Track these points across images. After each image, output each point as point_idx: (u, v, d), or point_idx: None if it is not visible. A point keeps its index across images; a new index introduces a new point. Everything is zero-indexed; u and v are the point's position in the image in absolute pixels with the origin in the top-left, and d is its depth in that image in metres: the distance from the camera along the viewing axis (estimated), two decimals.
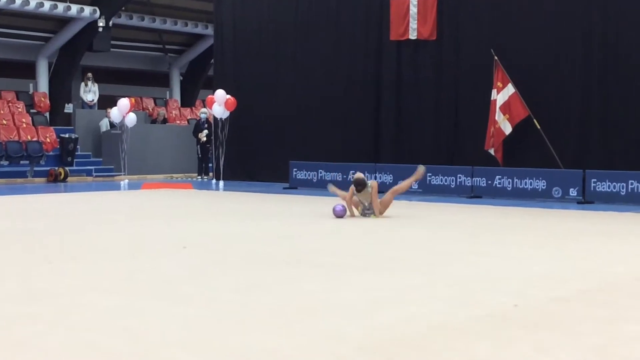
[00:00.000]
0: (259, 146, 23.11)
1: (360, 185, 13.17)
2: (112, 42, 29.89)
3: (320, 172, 20.39)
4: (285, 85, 22.65)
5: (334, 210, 13.25)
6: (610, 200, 16.09)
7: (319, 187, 20.05)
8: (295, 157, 21.28)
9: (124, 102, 23.74)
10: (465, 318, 5.79)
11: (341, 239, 10.66)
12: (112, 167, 25.56)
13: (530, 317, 5.85)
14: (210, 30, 30.29)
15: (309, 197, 17.97)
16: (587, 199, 16.36)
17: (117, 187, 21.48)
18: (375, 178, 19.27)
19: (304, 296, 6.60)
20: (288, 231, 11.49)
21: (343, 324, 5.58)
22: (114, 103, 24.55)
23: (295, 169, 20.91)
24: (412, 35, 20.14)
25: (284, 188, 20.56)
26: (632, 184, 15.98)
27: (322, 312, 5.99)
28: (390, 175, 18.98)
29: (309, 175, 20.62)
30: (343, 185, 19.63)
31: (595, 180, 16.40)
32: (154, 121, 29.00)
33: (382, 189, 18.95)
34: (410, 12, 20.05)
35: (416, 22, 20.01)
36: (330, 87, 21.68)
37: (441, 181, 18.32)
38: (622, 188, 16.08)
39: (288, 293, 6.73)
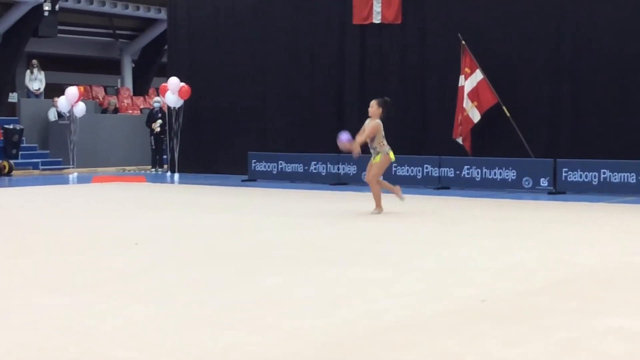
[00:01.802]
0: (216, 136, 23.02)
1: (384, 103, 12.79)
2: (59, 27, 29.59)
3: (281, 164, 20.38)
4: (243, 72, 22.58)
5: (339, 137, 12.91)
6: (582, 191, 16.27)
7: (279, 179, 20.07)
8: (254, 148, 21.25)
9: (72, 91, 23.53)
10: (432, 313, 5.84)
11: (303, 231, 10.67)
12: (60, 159, 25.33)
13: (499, 311, 5.91)
14: (163, 15, 30.12)
15: (268, 190, 17.96)
16: (559, 189, 16.53)
17: (65, 181, 21.30)
18: (338, 169, 19.34)
19: (263, 292, 6.61)
20: (246, 225, 11.48)
21: (304, 320, 5.59)
22: (61, 92, 24.31)
23: (254, 161, 20.87)
24: (376, 19, 20.17)
25: (243, 180, 20.53)
26: (604, 173, 16.17)
27: (282, 308, 6.00)
28: (354, 166, 19.01)
29: (268, 166, 20.60)
30: (304, 178, 19.71)
31: (566, 169, 16.57)
32: (104, 111, 28.77)
33: (345, 180, 19.06)
34: None
35: (380, 5, 20.05)
36: (290, 75, 21.66)
37: (407, 172, 18.39)
38: (594, 178, 16.27)
39: (246, 289, 6.73)
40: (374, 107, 12.85)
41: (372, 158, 12.87)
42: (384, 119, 12.81)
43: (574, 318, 5.66)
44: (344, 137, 12.90)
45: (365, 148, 13.02)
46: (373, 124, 12.67)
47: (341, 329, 5.39)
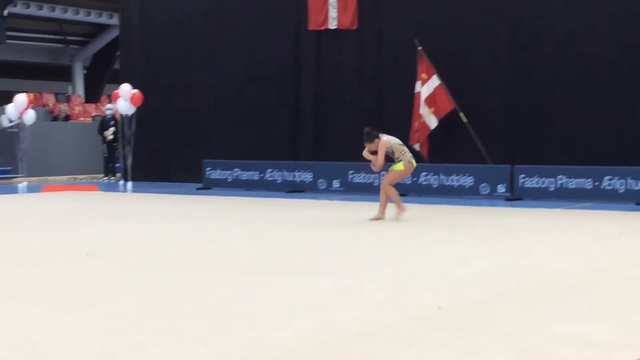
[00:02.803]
0: (170, 144, 22.88)
1: (366, 135, 13.02)
2: (8, 33, 29.22)
3: (236, 171, 20.31)
4: (198, 78, 22.47)
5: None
6: (539, 197, 16.40)
7: (234, 187, 19.99)
8: (209, 156, 21.14)
9: (21, 98, 23.23)
10: (391, 322, 5.83)
11: (260, 240, 10.62)
12: (9, 168, 25.00)
13: (460, 319, 5.92)
14: (115, 20, 29.91)
15: (223, 198, 17.89)
16: (516, 195, 16.65)
17: (14, 191, 21.04)
18: (294, 177, 19.30)
19: (219, 302, 6.55)
20: (201, 234, 11.41)
21: (262, 331, 5.56)
22: (10, 99, 23.99)
23: (209, 168, 20.78)
24: (332, 25, 20.19)
25: (198, 189, 20.43)
26: (560, 179, 16.32)
27: (238, 318, 5.95)
28: (310, 173, 19.02)
29: (223, 174, 20.51)
30: (260, 185, 19.65)
31: (524, 175, 16.70)
32: (55, 118, 28.48)
33: (301, 188, 19.03)
34: (330, 0, 20.09)
35: (336, 10, 20.08)
36: (245, 81, 21.60)
37: (364, 179, 18.40)
38: (551, 184, 16.41)
39: (203, 300, 6.67)
40: (370, 147, 13.04)
41: (393, 164, 13.14)
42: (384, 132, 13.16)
43: (533, 325, 5.68)
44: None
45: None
46: (380, 145, 12.90)
47: (299, 339, 5.36)
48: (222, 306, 6.40)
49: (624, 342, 5.25)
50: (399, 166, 13.04)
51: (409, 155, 13.10)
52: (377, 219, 12.98)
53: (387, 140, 12.95)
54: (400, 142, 13.15)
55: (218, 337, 5.42)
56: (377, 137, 12.97)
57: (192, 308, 6.32)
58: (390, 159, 13.23)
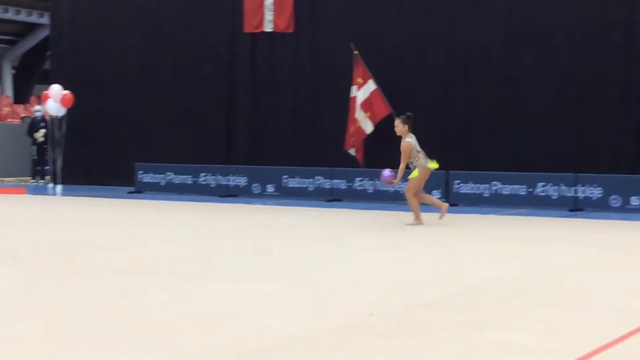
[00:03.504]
0: (102, 147, 22.61)
1: (407, 118, 13.25)
2: None
3: (169, 175, 20.15)
4: (130, 80, 22.25)
5: (382, 175, 13.51)
6: (474, 202, 16.56)
7: (167, 190, 19.83)
8: (141, 159, 20.94)
9: None
10: (319, 328, 5.84)
11: (191, 246, 10.56)
12: None
13: (388, 326, 5.95)
14: (46, 19, 29.50)
15: (155, 202, 17.74)
16: (451, 201, 16.76)
17: None
18: (228, 181, 19.20)
19: (148, 308, 6.50)
20: (131, 239, 11.30)
21: (190, 337, 5.52)
22: None
23: (141, 172, 20.58)
24: (268, 28, 20.16)
25: (129, 192, 20.22)
26: (495, 185, 16.52)
27: (167, 325, 5.91)
28: (244, 177, 18.95)
29: (156, 178, 20.33)
30: (193, 190, 19.52)
31: (458, 181, 16.86)
32: None
33: (236, 192, 18.95)
34: (266, 2, 20.07)
35: (272, 13, 20.06)
36: (179, 83, 21.45)
37: (298, 183, 18.40)
38: (486, 190, 16.59)
39: (130, 306, 6.61)
40: (399, 126, 13.34)
41: (411, 172, 13.25)
42: (413, 131, 13.31)
43: (463, 332, 5.73)
44: (386, 174, 13.48)
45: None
46: (404, 146, 13.13)
47: (228, 345, 5.33)
48: (148, 312, 6.35)
49: (553, 347, 5.33)
50: (414, 174, 13.23)
51: (423, 160, 13.23)
52: (414, 224, 13.15)
53: (412, 142, 13.14)
54: (418, 147, 13.26)
55: (144, 344, 5.36)
56: (410, 126, 13.18)
57: (116, 315, 6.25)
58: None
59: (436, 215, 13.43)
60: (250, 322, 6.01)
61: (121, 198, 19.00)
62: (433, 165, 13.29)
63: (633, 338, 5.59)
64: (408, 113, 13.55)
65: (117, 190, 20.82)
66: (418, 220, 13.22)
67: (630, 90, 16.62)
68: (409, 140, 13.13)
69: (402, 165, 13.24)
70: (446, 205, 13.61)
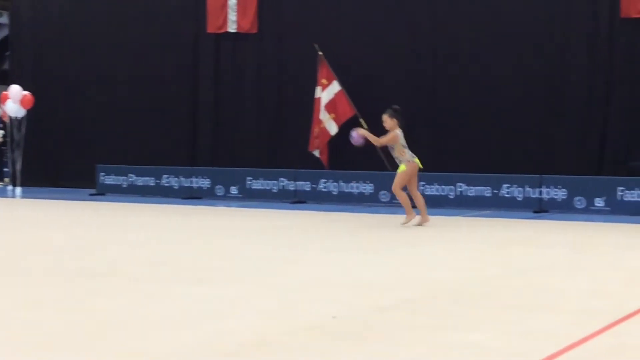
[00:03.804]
0: (62, 148, 22.41)
1: (394, 112, 13.17)
2: None
3: (131, 177, 20.01)
4: (92, 80, 22.06)
5: (352, 135, 13.52)
6: (439, 204, 16.58)
7: (129, 192, 19.69)
8: (103, 160, 20.77)
9: None
10: (285, 331, 5.79)
11: (152, 248, 10.49)
12: None
13: (352, 329, 5.92)
14: (5, 19, 29.14)
15: (117, 204, 17.62)
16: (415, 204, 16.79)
17: None
18: (191, 183, 19.10)
19: (106, 312, 6.42)
20: (91, 242, 11.19)
21: (149, 341, 5.46)
22: None
23: (102, 173, 20.42)
24: (232, 28, 20.10)
25: (91, 194, 20.06)
26: (460, 187, 16.56)
27: (126, 329, 5.84)
28: (208, 179, 18.86)
29: (118, 180, 20.18)
30: (156, 191, 19.38)
31: (423, 183, 16.85)
32: None
33: (200, 194, 18.85)
34: (229, 2, 20.01)
35: (235, 13, 20.00)
36: (141, 84, 21.30)
37: (262, 185, 18.36)
38: (451, 191, 16.64)
39: (88, 309, 6.52)
40: (387, 121, 13.31)
41: (399, 167, 13.26)
42: (402, 126, 13.31)
43: (426, 334, 5.72)
44: (355, 134, 13.50)
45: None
46: (391, 135, 13.09)
47: (190, 349, 5.27)
48: (106, 317, 6.27)
49: (518, 349, 5.33)
50: (401, 168, 13.22)
51: (409, 155, 13.21)
52: (408, 222, 13.12)
53: (400, 135, 13.11)
54: (404, 142, 13.24)
55: (102, 348, 5.29)
56: (399, 120, 13.15)
57: (74, 319, 6.17)
58: (388, 154, 13.34)
59: (404, 217, 13.41)
60: (212, 325, 5.96)
61: (82, 200, 18.87)
62: (417, 162, 13.30)
63: (597, 339, 5.60)
64: (395, 106, 13.46)
65: (79, 192, 20.64)
66: (410, 216, 13.17)
67: (594, 92, 16.77)
68: (398, 132, 13.10)
69: (381, 138, 13.22)
70: (416, 218, 13.40)
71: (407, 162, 13.17)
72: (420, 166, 13.41)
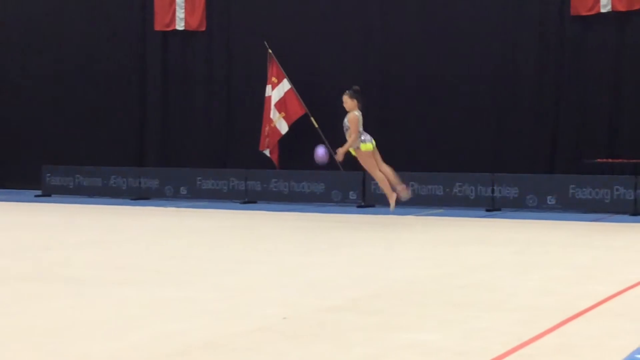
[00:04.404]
0: (6, 148, 22.14)
1: (355, 92, 13.17)
2: None
3: (78, 177, 19.82)
4: (35, 78, 21.81)
5: (317, 153, 13.42)
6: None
7: (76, 193, 19.52)
8: (49, 161, 20.55)
9: None
10: (234, 333, 5.78)
11: (98, 250, 10.40)
12: None
13: (301, 329, 5.93)
14: None
15: (63, 206, 17.45)
16: (368, 202, 16.88)
17: None
18: (140, 184, 18.97)
19: (49, 315, 6.36)
20: (35, 244, 11.07)
21: (94, 344, 5.42)
22: None
23: (48, 174, 20.19)
24: (180, 26, 19.99)
25: (36, 196, 19.85)
26: (412, 185, 16.57)
27: (70, 331, 5.79)
28: (156, 180, 18.75)
29: (64, 180, 19.97)
30: (103, 192, 19.23)
31: (375, 182, 16.91)
32: None
33: (147, 195, 18.74)
34: (177, 0, 19.90)
35: (183, 11, 19.90)
36: (88, 82, 21.10)
37: (212, 185, 18.29)
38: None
39: (31, 312, 6.46)
40: (347, 102, 13.25)
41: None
42: (362, 108, 13.34)
43: (376, 334, 5.74)
44: (320, 151, 13.45)
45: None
46: (352, 118, 13.06)
47: (135, 351, 5.24)
48: (50, 319, 6.21)
49: (468, 348, 5.37)
50: (364, 147, 13.10)
51: (359, 141, 13.18)
52: (393, 203, 13.18)
53: (360, 118, 13.12)
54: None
55: (46, 352, 5.24)
56: (359, 101, 13.16)
57: (16, 322, 6.10)
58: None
59: (356, 216, 13.46)
60: (159, 326, 5.93)
61: (27, 202, 18.69)
62: (366, 147, 13.24)
63: (547, 337, 5.67)
64: (355, 87, 13.49)
65: (24, 193, 20.44)
66: (392, 198, 13.20)
67: (545, 90, 16.94)
68: (357, 114, 13.09)
69: (353, 137, 13.18)
70: (394, 195, 13.40)
71: (356, 149, 13.16)
72: (370, 148, 13.33)
